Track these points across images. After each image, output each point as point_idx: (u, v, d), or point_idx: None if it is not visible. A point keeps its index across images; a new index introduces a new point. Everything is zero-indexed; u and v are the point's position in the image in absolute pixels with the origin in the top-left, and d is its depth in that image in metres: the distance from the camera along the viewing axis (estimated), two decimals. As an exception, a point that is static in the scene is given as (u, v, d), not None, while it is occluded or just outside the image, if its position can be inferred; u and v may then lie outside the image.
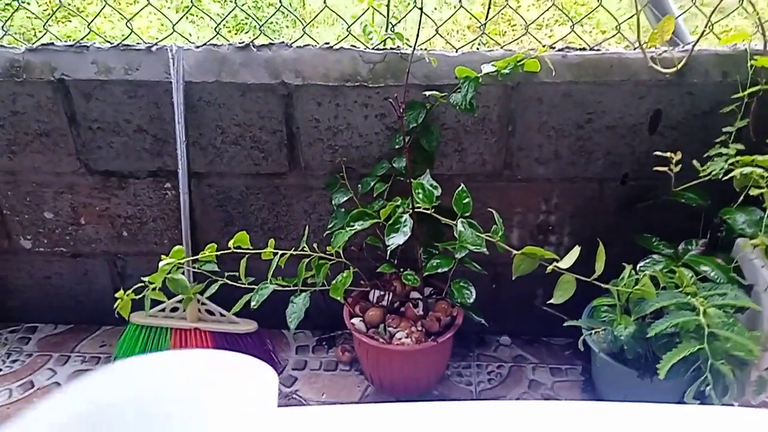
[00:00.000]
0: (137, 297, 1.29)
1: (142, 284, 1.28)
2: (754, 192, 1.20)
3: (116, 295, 1.28)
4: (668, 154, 1.30)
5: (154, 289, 1.26)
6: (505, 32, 2.96)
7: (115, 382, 0.52)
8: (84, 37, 1.46)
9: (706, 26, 1.34)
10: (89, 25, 1.47)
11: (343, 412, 0.63)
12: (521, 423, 0.63)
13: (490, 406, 0.64)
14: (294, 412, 0.63)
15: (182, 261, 1.27)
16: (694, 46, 1.35)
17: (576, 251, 1.19)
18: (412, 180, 1.34)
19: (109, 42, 1.44)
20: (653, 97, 1.38)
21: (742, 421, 0.62)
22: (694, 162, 1.31)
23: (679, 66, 1.34)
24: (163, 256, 1.27)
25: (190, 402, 0.52)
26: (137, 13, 1.54)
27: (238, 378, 0.54)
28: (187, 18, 3.02)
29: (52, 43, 1.44)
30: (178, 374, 0.54)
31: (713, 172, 1.28)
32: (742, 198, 1.26)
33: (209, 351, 0.55)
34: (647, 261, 1.36)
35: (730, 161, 1.27)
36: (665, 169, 1.32)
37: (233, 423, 0.51)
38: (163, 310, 1.56)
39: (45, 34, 1.49)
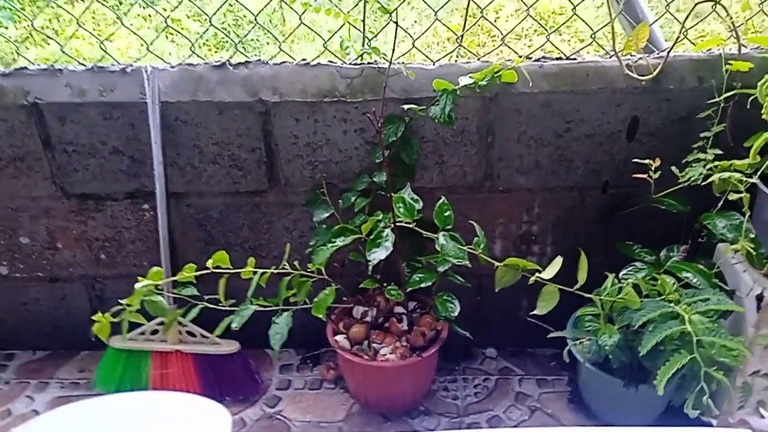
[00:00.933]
0: (115, 320, 1.26)
1: (120, 307, 1.26)
2: (733, 197, 1.20)
3: (93, 317, 1.26)
4: (647, 161, 1.31)
5: (131, 311, 1.24)
6: (485, 43, 2.98)
7: (69, 425, 0.50)
8: (57, 60, 1.45)
9: (680, 32, 1.35)
10: (62, 48, 1.45)
11: None
12: None
13: None
14: None
15: (160, 283, 1.24)
16: (669, 52, 1.35)
17: (558, 262, 1.19)
18: (392, 194, 1.34)
19: (83, 64, 1.43)
20: (630, 104, 1.39)
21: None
22: (673, 168, 1.31)
23: (655, 73, 1.35)
24: (140, 278, 1.25)
25: None
26: (111, 34, 1.53)
27: (191, 419, 0.53)
28: (167, 38, 3.02)
29: (25, 67, 1.42)
30: (132, 417, 0.52)
31: (692, 178, 1.28)
32: (721, 203, 1.26)
33: (164, 393, 0.54)
34: (630, 269, 1.36)
35: (708, 166, 1.27)
36: (645, 176, 1.32)
37: None
38: (143, 333, 1.53)
39: (19, 58, 1.47)
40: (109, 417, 0.51)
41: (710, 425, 1.18)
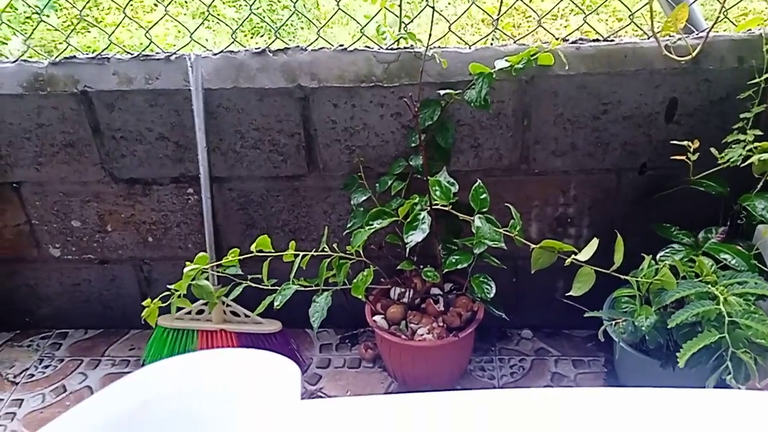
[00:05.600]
0: (164, 305, 1.32)
1: (168, 292, 1.31)
2: (772, 178, 1.20)
3: (143, 303, 1.32)
4: (686, 143, 1.30)
5: (179, 296, 1.29)
6: (520, 24, 2.95)
7: (147, 384, 0.54)
8: (105, 48, 1.50)
9: (720, 11, 1.33)
10: (110, 36, 1.50)
11: (364, 403, 0.64)
12: (542, 410, 0.64)
13: (506, 395, 0.66)
14: (316, 404, 0.65)
15: (206, 267, 1.29)
16: (708, 32, 1.34)
17: (594, 244, 1.19)
18: (429, 177, 1.36)
19: (129, 53, 1.47)
20: (669, 85, 1.38)
21: (752, 404, 0.63)
22: (712, 149, 1.30)
23: (694, 53, 1.34)
24: (187, 263, 1.30)
25: (219, 398, 0.55)
26: (156, 23, 1.57)
27: (262, 373, 0.56)
28: (203, 24, 3.06)
29: (75, 56, 1.47)
30: (207, 373, 0.56)
31: (731, 159, 1.27)
32: (761, 184, 1.25)
33: (235, 350, 0.57)
34: (667, 251, 1.36)
35: (748, 147, 1.26)
36: (683, 157, 1.31)
37: (259, 416, 0.54)
38: (189, 312, 1.59)
39: (67, 47, 1.53)
40: (187, 373, 0.55)
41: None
